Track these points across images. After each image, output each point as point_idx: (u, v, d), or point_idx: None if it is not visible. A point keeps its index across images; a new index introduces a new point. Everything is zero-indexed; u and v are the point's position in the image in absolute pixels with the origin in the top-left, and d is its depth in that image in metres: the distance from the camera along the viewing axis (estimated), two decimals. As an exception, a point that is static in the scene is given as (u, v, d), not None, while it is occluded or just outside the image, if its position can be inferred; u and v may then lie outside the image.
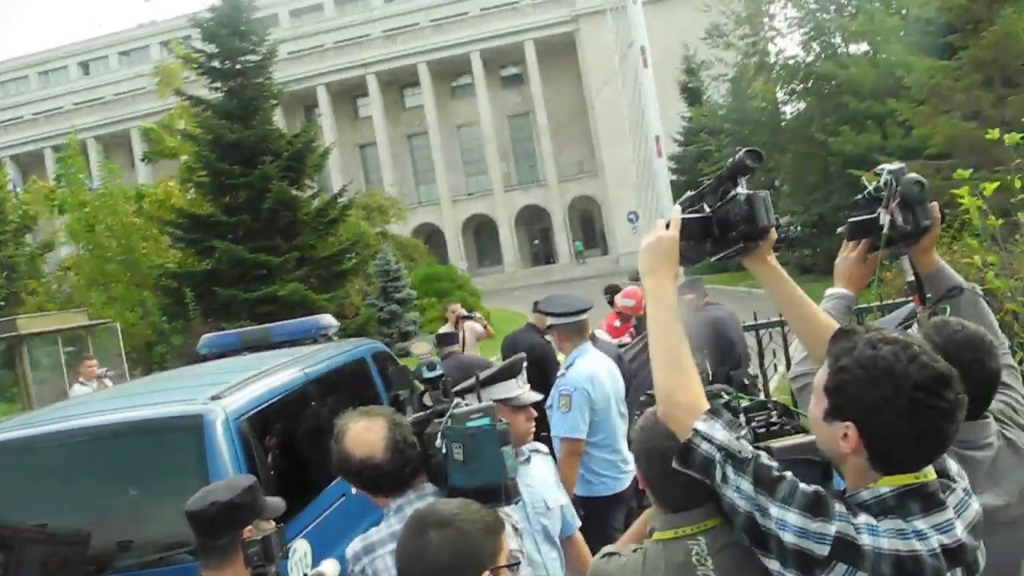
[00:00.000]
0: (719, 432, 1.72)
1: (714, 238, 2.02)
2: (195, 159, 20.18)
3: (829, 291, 2.38)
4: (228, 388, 4.24)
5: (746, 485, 1.66)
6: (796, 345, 7.91)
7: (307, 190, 21.06)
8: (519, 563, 1.93)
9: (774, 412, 2.03)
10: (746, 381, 5.81)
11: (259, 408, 4.28)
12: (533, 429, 3.22)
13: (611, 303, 10.65)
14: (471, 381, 3.02)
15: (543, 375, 5.42)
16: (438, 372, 2.56)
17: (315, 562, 4.08)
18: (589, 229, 59.68)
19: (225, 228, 19.16)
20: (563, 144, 57.14)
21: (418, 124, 58.57)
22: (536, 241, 61.30)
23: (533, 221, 60.11)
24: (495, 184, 57.67)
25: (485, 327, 10.85)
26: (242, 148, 19.18)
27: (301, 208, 19.70)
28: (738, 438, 1.72)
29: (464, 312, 10.74)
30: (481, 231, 60.75)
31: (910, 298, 2.58)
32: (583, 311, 4.77)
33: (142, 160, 30.38)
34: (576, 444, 4.47)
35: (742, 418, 1.98)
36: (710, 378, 2.55)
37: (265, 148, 19.34)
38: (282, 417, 4.62)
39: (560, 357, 6.33)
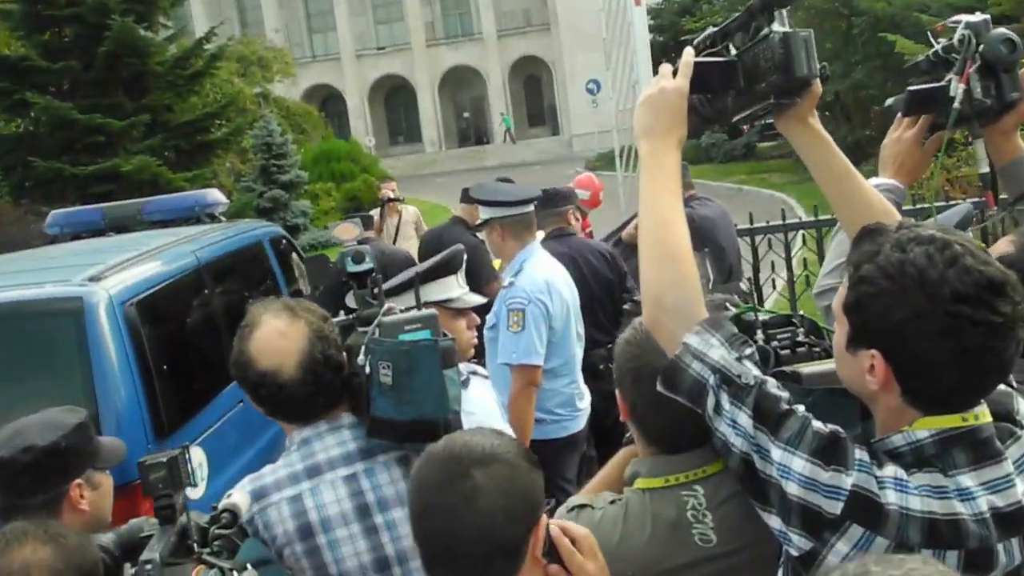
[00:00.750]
0: (715, 349, 1.74)
1: (738, 91, 1.97)
2: (-4, -21, 19.14)
3: (874, 181, 2.33)
4: (108, 269, 4.45)
5: (744, 419, 1.68)
6: (803, 254, 8.01)
7: (161, 31, 20.36)
8: (551, 503, 1.95)
9: (800, 329, 2.03)
10: (736, 298, 5.83)
11: (147, 293, 4.52)
12: (476, 339, 3.30)
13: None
14: (405, 277, 3.00)
15: (474, 284, 5.38)
16: (367, 265, 2.52)
17: (210, 472, 4.44)
18: (535, 100, 59.35)
19: (45, 77, 18.41)
20: (505, -14, 56.10)
21: (313, -50, 56.69)
22: (466, 114, 60.81)
23: (463, 87, 59.39)
24: (414, 36, 56.57)
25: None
26: (66, -33, 18.27)
27: (153, 55, 19.03)
28: (740, 359, 1.72)
29: (393, 193, 10.68)
30: (394, 98, 59.87)
31: (972, 198, 2.55)
32: (532, 200, 4.76)
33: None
34: (533, 372, 4.50)
35: (759, 335, 1.99)
36: (711, 285, 2.56)
37: (100, -32, 18.45)
38: (173, 306, 4.91)
39: (495, 263, 6.29)
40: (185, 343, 4.89)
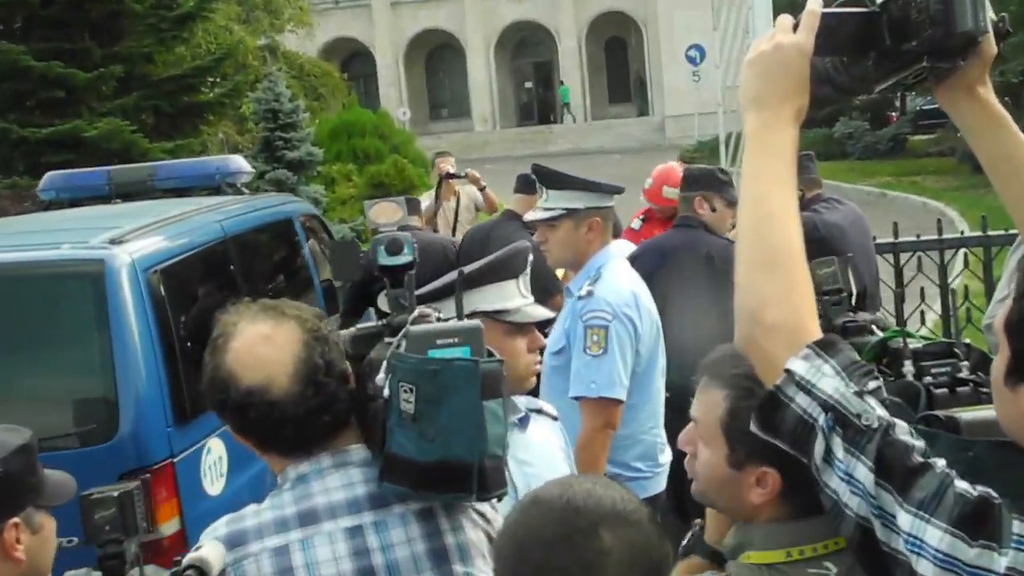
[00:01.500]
0: (828, 379, 1.73)
1: (882, 51, 1.96)
2: None
3: None
4: (128, 232, 5.10)
5: (863, 472, 1.68)
6: (964, 281, 7.85)
7: (140, -39, 20.62)
8: None
9: (964, 363, 2.02)
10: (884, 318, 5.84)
11: (172, 261, 5.20)
12: (538, 366, 3.32)
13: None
14: (449, 278, 3.04)
15: (533, 294, 5.44)
16: (405, 257, 2.54)
17: (231, 467, 4.97)
18: (618, 70, 59.39)
19: (-12, 14, 18.62)
20: (587, -79, 56.26)
21: None
22: (528, 84, 61.05)
23: (526, 50, 59.63)
24: (467, -20, 56.83)
25: (486, 195, 10.99)
26: None
27: (130, -9, 19.23)
28: (860, 393, 1.72)
29: (452, 168, 10.79)
30: (438, 59, 60.26)
31: None
32: (618, 190, 4.87)
33: None
34: (613, 409, 4.51)
35: (908, 366, 1.95)
36: (854, 301, 2.55)
37: None
38: (197, 277, 5.65)
39: (559, 272, 6.28)
40: (210, 319, 5.30)
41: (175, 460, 4.70)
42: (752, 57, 1.99)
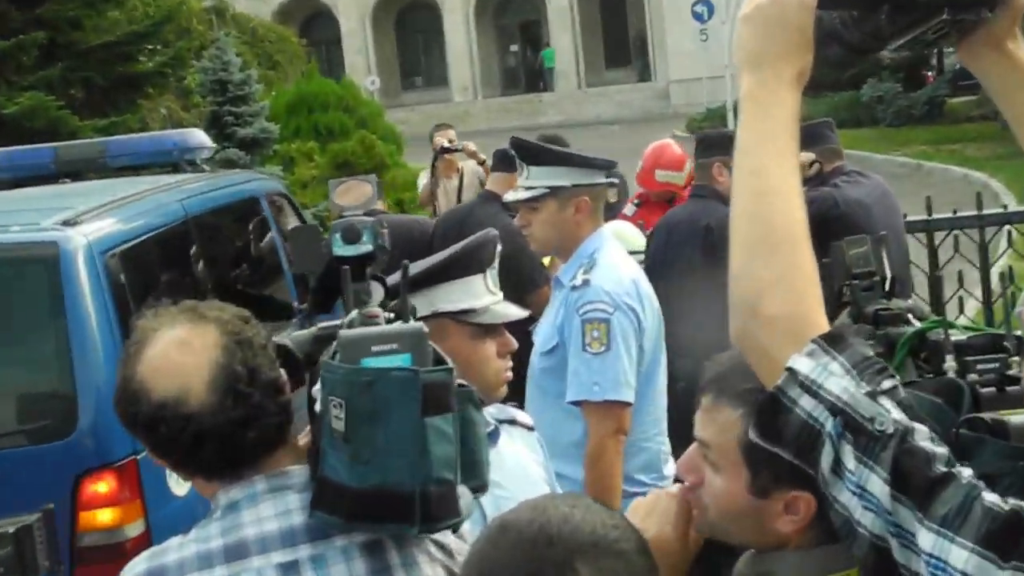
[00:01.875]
0: (836, 379, 1.72)
1: (895, 2, 1.94)
2: None
3: None
4: (83, 213, 5.36)
5: (877, 485, 1.67)
6: (1008, 262, 7.83)
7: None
8: None
9: (1015, 358, 2.02)
10: (925, 307, 5.88)
11: (130, 243, 5.48)
12: (510, 372, 3.30)
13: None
14: (415, 268, 3.04)
15: (517, 286, 5.36)
16: (365, 247, 2.51)
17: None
18: (616, 29, 59.46)
19: None
20: None
21: None
22: (514, 47, 61.09)
23: (510, 8, 59.66)
24: (442, -69, 56.87)
25: (487, 169, 11.00)
26: None
27: (54, -55, 19.23)
28: (873, 394, 1.71)
29: (447, 142, 10.85)
30: (410, 20, 60.25)
31: None
32: (610, 165, 4.93)
33: None
34: (622, 413, 4.54)
35: (949, 361, 2.00)
36: (887, 286, 2.58)
37: None
38: (158, 262, 6.00)
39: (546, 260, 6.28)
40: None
41: (139, 457, 4.81)
42: (748, 11, 1.99)
